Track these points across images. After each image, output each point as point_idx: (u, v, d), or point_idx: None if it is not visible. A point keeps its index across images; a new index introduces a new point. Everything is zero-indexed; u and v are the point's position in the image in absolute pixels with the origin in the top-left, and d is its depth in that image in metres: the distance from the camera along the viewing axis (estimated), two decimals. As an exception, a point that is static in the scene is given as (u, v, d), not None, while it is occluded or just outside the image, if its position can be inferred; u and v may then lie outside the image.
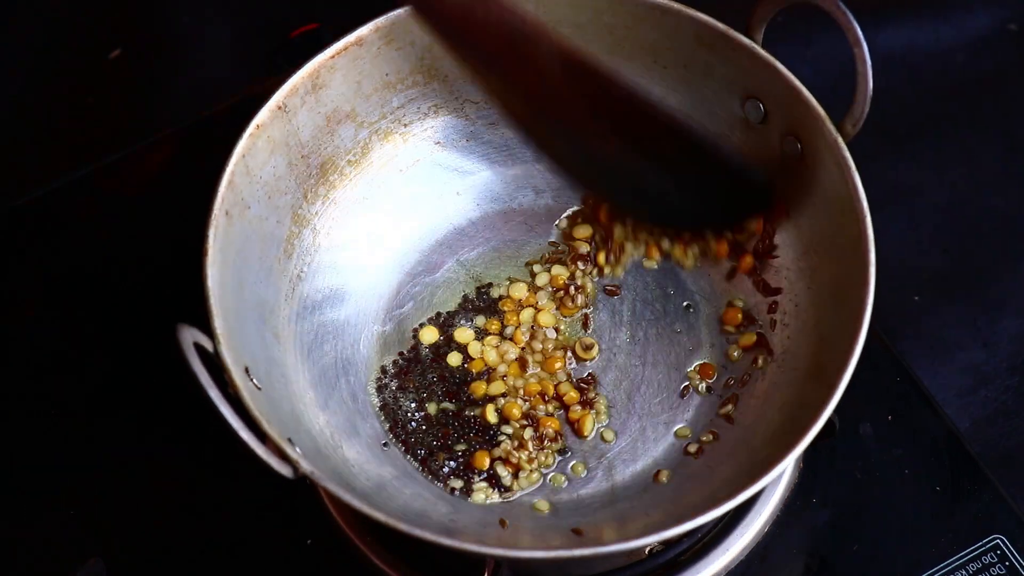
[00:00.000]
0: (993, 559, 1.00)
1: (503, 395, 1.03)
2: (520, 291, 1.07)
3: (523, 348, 1.05)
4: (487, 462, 1.00)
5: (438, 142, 1.10)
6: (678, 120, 0.94)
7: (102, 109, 1.33)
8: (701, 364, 1.04)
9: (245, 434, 0.83)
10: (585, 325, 1.07)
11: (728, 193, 1.00)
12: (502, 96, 0.93)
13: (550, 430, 1.01)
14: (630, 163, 0.95)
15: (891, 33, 1.30)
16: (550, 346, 1.05)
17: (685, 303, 1.07)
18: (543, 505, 0.99)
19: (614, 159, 0.95)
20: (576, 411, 1.02)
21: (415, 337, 1.06)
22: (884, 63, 1.27)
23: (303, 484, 0.86)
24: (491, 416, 1.02)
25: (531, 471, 1.00)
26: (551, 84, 0.89)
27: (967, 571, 0.99)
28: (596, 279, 1.08)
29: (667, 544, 0.99)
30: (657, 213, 1.02)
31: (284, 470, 0.85)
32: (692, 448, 1.00)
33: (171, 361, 0.83)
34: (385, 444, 1.01)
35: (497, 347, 1.05)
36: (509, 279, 1.08)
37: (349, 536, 1.01)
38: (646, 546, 0.95)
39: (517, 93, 0.92)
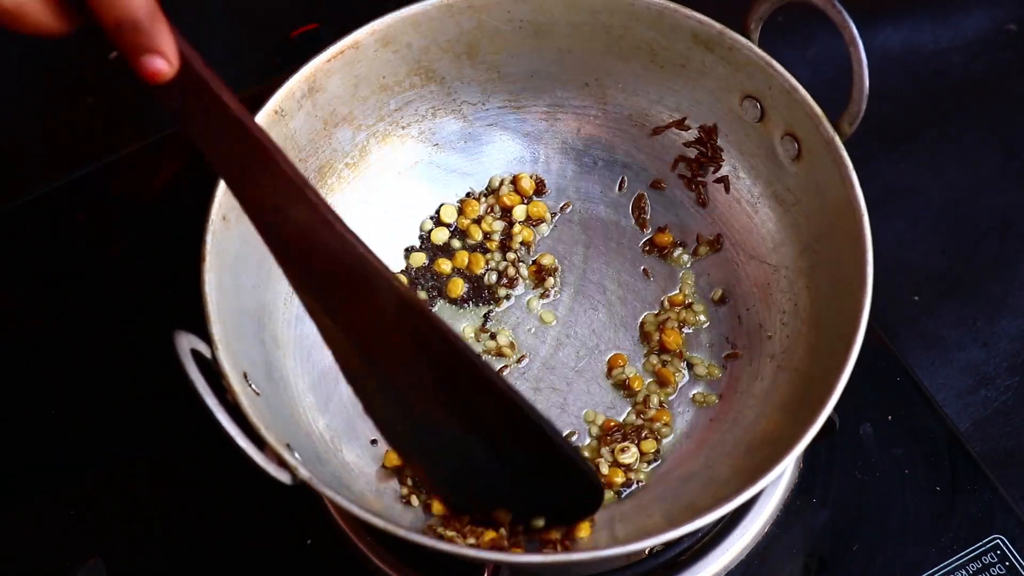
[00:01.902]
0: (993, 559, 1.00)
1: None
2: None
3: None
4: None
5: (436, 144, 1.10)
6: (513, 399, 0.87)
7: (102, 109, 1.33)
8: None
9: (243, 441, 0.83)
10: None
11: (557, 490, 0.93)
12: (333, 339, 0.86)
13: None
14: (458, 435, 0.89)
15: (889, 33, 1.30)
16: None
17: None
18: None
19: (441, 428, 0.88)
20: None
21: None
22: (882, 63, 1.27)
23: (303, 486, 0.86)
24: None
25: None
26: (384, 327, 0.83)
27: (967, 571, 0.99)
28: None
29: (667, 544, 0.99)
30: (474, 498, 0.94)
31: (282, 477, 0.85)
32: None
33: (170, 362, 0.83)
34: (374, 441, 1.01)
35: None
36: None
37: (349, 536, 1.01)
38: (646, 547, 0.95)
39: (349, 335, 0.86)
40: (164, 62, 0.72)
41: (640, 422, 1.02)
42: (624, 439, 1.00)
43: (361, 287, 0.81)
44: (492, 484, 0.92)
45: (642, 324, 1.06)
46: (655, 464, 1.00)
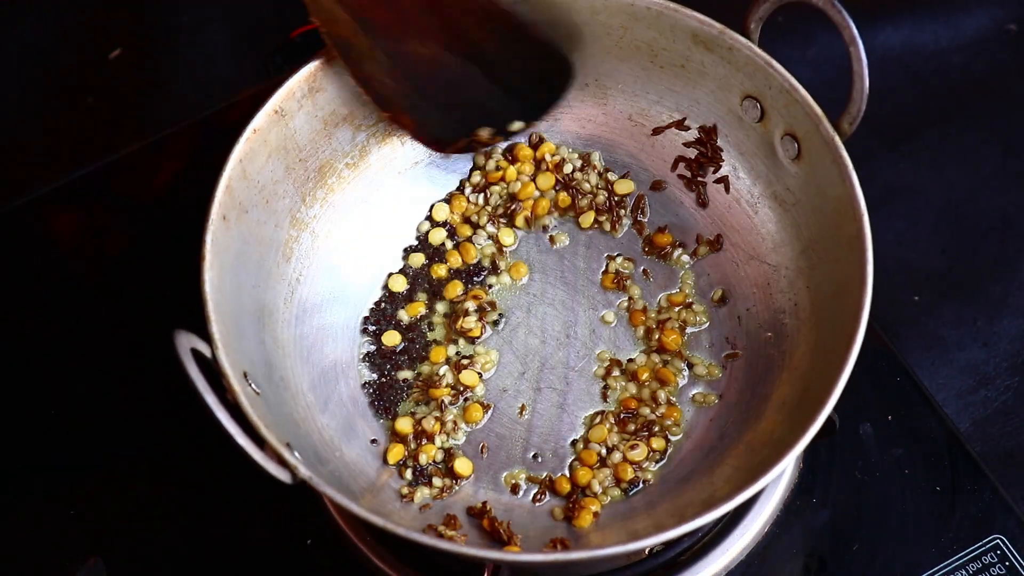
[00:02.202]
0: (993, 559, 1.00)
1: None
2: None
3: None
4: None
5: (436, 143, 1.10)
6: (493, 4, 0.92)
7: (102, 109, 1.33)
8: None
9: (243, 440, 0.83)
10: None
11: (537, 75, 0.98)
12: (325, 11, 0.89)
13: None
14: (444, 63, 0.93)
15: (890, 33, 1.30)
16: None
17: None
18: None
19: (431, 64, 0.92)
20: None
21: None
22: (883, 63, 1.27)
23: (303, 485, 0.86)
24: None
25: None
26: None
27: (967, 571, 0.99)
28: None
29: (667, 544, 0.99)
30: (459, 122, 1.00)
31: (282, 476, 0.85)
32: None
33: (171, 362, 0.83)
34: (374, 441, 1.01)
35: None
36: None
37: (349, 536, 1.01)
38: (646, 547, 0.95)
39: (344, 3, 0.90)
40: None
41: (653, 417, 1.01)
42: (635, 434, 1.00)
43: None
44: (474, 103, 0.95)
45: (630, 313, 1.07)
46: (661, 463, 1.00)
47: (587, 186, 1.09)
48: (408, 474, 0.99)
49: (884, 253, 1.11)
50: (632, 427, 1.01)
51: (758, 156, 1.04)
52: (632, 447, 1.00)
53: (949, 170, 1.23)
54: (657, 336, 1.05)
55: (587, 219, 1.09)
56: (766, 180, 1.04)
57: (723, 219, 1.07)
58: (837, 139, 0.96)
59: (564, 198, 1.09)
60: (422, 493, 0.99)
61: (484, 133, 1.03)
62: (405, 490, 0.99)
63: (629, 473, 0.99)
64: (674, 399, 1.02)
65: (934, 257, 1.18)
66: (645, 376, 1.03)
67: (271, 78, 1.08)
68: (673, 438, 1.01)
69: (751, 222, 1.06)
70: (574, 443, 1.01)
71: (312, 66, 1.00)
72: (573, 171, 1.09)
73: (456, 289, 1.07)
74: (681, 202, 1.09)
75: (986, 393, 1.12)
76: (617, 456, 1.00)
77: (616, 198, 1.08)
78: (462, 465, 0.99)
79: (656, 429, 1.01)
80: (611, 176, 1.09)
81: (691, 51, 1.02)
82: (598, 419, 1.02)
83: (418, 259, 1.08)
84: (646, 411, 1.02)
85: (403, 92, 0.99)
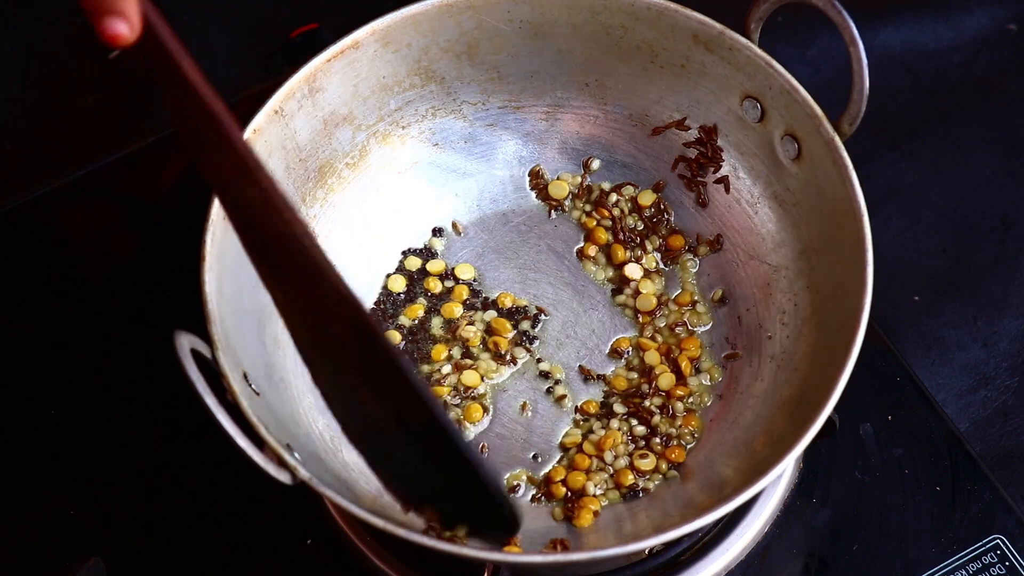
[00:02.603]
0: (993, 559, 1.00)
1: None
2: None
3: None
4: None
5: (436, 144, 1.10)
6: (435, 413, 0.83)
7: (102, 109, 1.33)
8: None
9: (243, 441, 0.83)
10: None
11: (478, 506, 0.89)
12: (283, 311, 0.85)
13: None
14: (386, 427, 0.87)
15: (890, 33, 1.30)
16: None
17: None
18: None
19: (373, 414, 0.86)
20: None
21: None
22: (883, 63, 1.27)
23: (303, 486, 0.86)
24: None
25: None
26: (325, 314, 0.82)
27: (967, 571, 0.99)
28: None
29: (667, 544, 0.99)
30: (405, 487, 0.92)
31: (283, 477, 0.85)
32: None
33: (170, 362, 0.83)
34: None
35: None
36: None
37: (349, 537, 1.01)
38: (646, 547, 0.95)
39: (296, 311, 0.85)
40: (125, 25, 0.71)
41: (672, 431, 1.01)
42: (647, 443, 1.00)
43: (305, 275, 0.81)
44: (419, 480, 0.90)
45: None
46: (672, 476, 1.00)
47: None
48: None
49: (884, 253, 1.11)
50: (644, 430, 1.01)
51: (758, 156, 1.04)
52: (642, 456, 0.99)
53: (949, 170, 1.23)
54: (674, 344, 1.05)
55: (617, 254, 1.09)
56: (766, 180, 1.04)
57: (723, 219, 1.07)
58: (837, 139, 0.96)
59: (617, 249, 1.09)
60: None
61: (430, 513, 0.92)
62: None
63: (630, 479, 0.99)
64: (696, 408, 1.02)
65: (934, 257, 1.18)
66: (665, 383, 1.03)
67: (271, 78, 1.08)
68: (688, 445, 1.01)
69: (751, 222, 1.06)
70: (564, 446, 1.02)
71: (312, 66, 1.00)
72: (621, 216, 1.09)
73: (455, 310, 1.07)
74: (681, 202, 1.09)
75: (986, 393, 1.12)
76: (622, 462, 1.00)
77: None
78: None
79: (673, 443, 1.01)
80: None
81: (691, 51, 1.02)
82: (597, 426, 1.02)
83: (415, 262, 1.09)
84: (660, 422, 1.01)
85: (352, 421, 0.91)
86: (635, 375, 1.04)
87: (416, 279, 1.08)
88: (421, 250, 1.09)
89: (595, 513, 0.98)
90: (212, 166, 0.80)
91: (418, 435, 0.85)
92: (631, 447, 1.00)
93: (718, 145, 1.06)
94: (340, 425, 0.90)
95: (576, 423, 1.02)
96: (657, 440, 1.00)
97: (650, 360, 1.04)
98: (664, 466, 1.00)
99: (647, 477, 0.99)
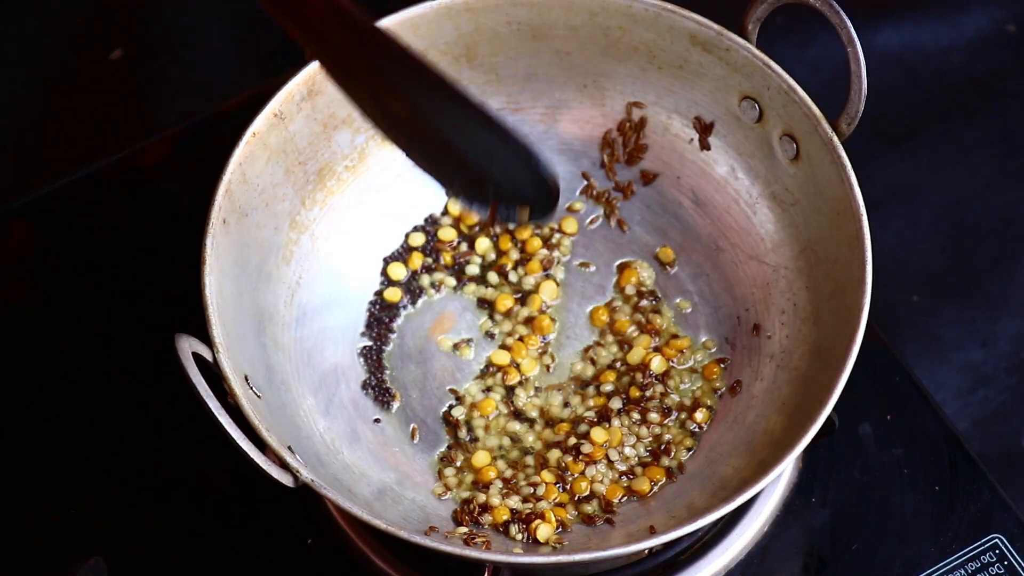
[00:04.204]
0: (992, 559, 1.00)
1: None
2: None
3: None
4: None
5: (436, 145, 1.10)
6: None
7: (102, 109, 1.33)
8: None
9: (245, 444, 0.83)
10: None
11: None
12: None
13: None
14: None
15: (889, 33, 1.30)
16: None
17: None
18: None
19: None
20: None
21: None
22: (882, 63, 1.27)
23: (304, 487, 0.86)
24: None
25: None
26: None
27: (966, 571, 0.99)
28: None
29: (667, 544, 0.99)
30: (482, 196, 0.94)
31: (284, 479, 0.85)
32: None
33: (172, 365, 0.84)
34: (377, 420, 1.01)
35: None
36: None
37: (350, 537, 1.01)
38: (646, 547, 0.95)
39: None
40: None
41: (681, 436, 1.01)
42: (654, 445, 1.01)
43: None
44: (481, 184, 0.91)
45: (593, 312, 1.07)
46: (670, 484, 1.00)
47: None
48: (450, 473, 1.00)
49: (884, 253, 1.11)
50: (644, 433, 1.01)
51: (756, 156, 1.04)
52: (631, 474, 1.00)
53: (949, 170, 1.23)
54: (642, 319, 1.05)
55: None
56: (765, 180, 1.04)
57: (722, 219, 1.07)
58: (836, 139, 0.96)
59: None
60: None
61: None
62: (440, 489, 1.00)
63: (619, 493, 0.99)
64: (714, 406, 1.02)
65: (934, 257, 1.18)
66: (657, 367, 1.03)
67: (271, 79, 1.08)
68: (685, 457, 1.01)
69: (750, 222, 1.06)
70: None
71: (310, 69, 1.00)
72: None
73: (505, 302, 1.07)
74: (679, 202, 1.09)
75: (985, 393, 1.12)
76: (607, 478, 1.00)
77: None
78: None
79: (672, 450, 1.01)
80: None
81: (689, 52, 1.02)
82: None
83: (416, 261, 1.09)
84: (658, 427, 1.02)
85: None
86: (615, 348, 1.04)
87: (416, 278, 1.08)
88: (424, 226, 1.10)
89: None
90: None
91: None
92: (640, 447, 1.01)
93: (642, 143, 1.06)
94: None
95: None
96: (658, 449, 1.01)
97: (634, 359, 1.04)
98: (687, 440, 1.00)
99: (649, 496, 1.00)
